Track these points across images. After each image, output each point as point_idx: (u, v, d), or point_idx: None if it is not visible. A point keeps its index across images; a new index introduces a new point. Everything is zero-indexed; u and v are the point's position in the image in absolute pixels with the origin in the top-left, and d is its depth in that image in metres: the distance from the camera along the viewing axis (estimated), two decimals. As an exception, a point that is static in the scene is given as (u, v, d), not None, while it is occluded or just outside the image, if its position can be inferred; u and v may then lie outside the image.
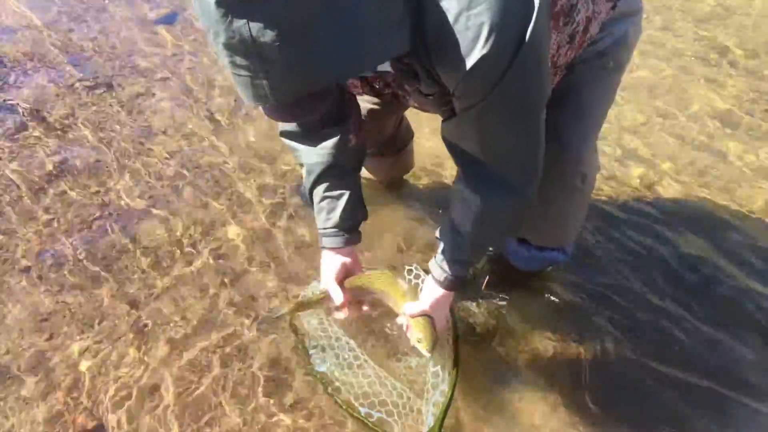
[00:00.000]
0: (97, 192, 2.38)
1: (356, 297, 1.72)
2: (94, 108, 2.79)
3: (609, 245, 2.27)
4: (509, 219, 1.57)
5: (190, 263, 2.13)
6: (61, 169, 2.46)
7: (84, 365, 1.82)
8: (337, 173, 1.70)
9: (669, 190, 2.52)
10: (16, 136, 2.60)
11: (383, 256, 2.18)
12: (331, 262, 1.73)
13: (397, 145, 2.31)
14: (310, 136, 1.66)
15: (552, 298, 2.08)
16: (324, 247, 1.74)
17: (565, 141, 1.67)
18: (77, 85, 2.91)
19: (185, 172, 2.49)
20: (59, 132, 2.64)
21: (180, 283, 2.06)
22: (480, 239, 1.60)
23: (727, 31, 3.56)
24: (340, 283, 1.70)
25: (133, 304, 1.99)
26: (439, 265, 1.63)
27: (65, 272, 2.07)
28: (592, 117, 1.74)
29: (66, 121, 2.70)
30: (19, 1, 3.46)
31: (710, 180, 2.57)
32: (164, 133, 2.69)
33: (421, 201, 2.38)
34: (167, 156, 2.57)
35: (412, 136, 2.37)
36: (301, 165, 1.73)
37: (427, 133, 2.60)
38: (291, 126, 1.67)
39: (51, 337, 1.89)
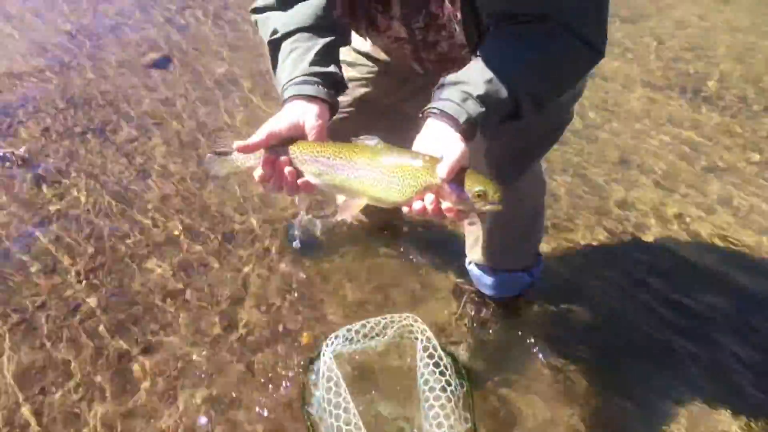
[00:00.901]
0: (89, 237, 2.39)
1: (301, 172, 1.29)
2: (87, 155, 2.81)
3: (591, 282, 2.30)
4: (573, 68, 1.38)
5: (184, 309, 2.14)
6: (56, 218, 2.46)
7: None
8: (314, 31, 1.42)
9: (652, 230, 2.56)
10: (8, 186, 2.61)
11: (373, 301, 2.19)
12: (283, 114, 1.33)
13: None
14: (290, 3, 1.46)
15: (534, 336, 2.09)
16: (285, 101, 1.36)
17: (503, 176, 1.73)
18: (71, 131, 2.94)
19: (180, 215, 2.50)
20: (52, 180, 2.66)
21: (173, 332, 2.06)
22: (531, 82, 1.32)
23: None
24: (279, 140, 1.29)
25: (124, 355, 1.99)
26: (457, 104, 1.26)
27: (52, 327, 2.07)
28: (535, 158, 1.83)
29: (60, 170, 2.71)
30: (15, 48, 3.50)
31: (692, 221, 2.61)
32: (158, 177, 2.71)
33: (414, 244, 2.39)
34: (161, 201, 2.58)
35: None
36: (271, 45, 1.45)
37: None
38: None
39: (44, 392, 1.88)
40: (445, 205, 1.22)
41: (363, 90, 1.82)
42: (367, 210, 2.34)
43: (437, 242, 2.41)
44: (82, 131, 2.95)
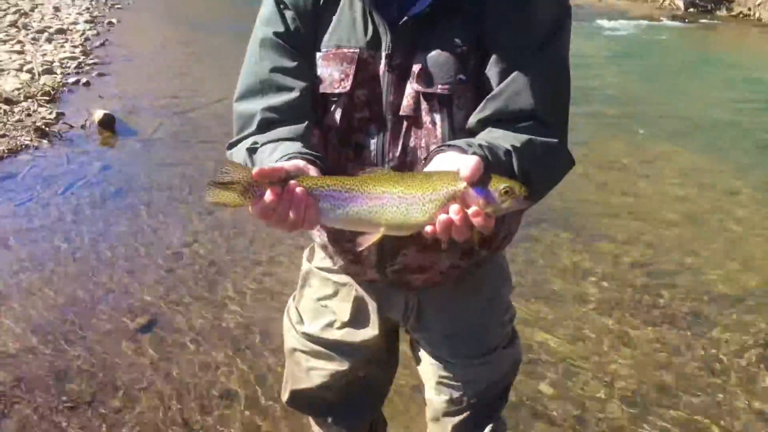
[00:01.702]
0: None
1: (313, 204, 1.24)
2: (77, 430, 2.91)
3: None
4: (556, 163, 1.50)
5: None
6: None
7: None
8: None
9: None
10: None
11: None
12: (286, 162, 1.32)
13: None
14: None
15: None
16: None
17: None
18: (61, 407, 3.06)
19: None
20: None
21: None
22: (524, 158, 1.37)
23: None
24: (286, 175, 1.24)
25: None
26: (463, 144, 1.32)
27: None
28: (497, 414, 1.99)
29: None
30: (6, 327, 3.71)
31: None
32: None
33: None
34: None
35: (386, 427, 2.50)
36: (249, 152, 1.46)
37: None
38: (251, 128, 1.53)
39: None
40: (472, 209, 1.19)
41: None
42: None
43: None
44: (72, 406, 3.07)
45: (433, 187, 1.20)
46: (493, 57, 1.46)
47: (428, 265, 1.66)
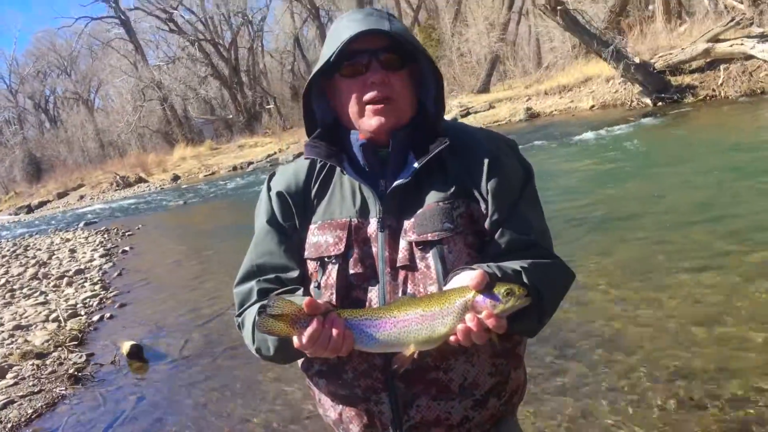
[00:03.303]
0: None
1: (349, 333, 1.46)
2: None
3: None
4: (563, 276, 1.69)
5: None
6: None
7: None
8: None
9: None
10: None
11: None
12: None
13: None
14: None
15: None
16: None
17: None
18: None
19: None
20: None
21: None
22: (535, 274, 1.57)
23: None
24: (325, 309, 1.50)
25: None
26: (474, 266, 1.53)
27: None
28: None
29: None
30: None
31: None
32: None
33: None
34: None
35: None
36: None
37: None
38: (251, 299, 1.73)
39: None
40: (484, 313, 1.39)
41: None
42: None
43: None
44: None
45: (449, 302, 1.40)
46: (484, 207, 1.66)
47: (443, 417, 1.63)
